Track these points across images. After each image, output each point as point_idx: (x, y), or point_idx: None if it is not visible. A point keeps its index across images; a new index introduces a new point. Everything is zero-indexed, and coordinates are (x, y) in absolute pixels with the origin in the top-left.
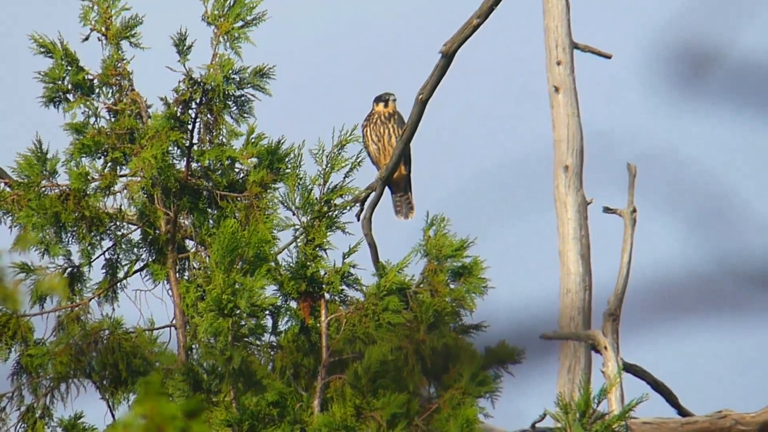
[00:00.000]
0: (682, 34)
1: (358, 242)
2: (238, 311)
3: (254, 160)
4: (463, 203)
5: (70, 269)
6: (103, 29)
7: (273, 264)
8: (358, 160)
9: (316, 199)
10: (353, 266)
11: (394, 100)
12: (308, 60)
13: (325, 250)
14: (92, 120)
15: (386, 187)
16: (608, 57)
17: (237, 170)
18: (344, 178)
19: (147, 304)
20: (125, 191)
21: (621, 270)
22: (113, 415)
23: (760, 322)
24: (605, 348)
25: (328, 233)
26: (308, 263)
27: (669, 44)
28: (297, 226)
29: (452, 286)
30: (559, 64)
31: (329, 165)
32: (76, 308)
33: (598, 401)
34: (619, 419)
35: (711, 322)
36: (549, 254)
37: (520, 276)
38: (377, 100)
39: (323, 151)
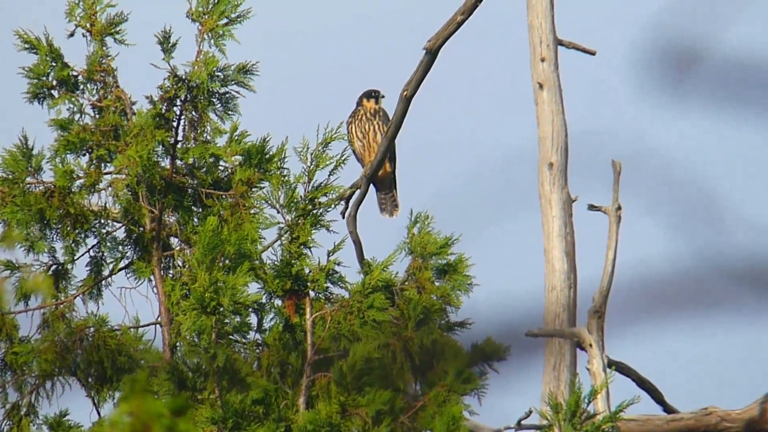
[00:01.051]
0: (666, 31)
1: (343, 240)
2: (221, 309)
3: (238, 157)
4: (448, 200)
5: (54, 266)
6: (88, 25)
7: (258, 262)
8: (342, 158)
9: (301, 197)
10: (338, 264)
11: (383, 97)
12: (292, 57)
13: (309, 248)
14: (77, 116)
15: (371, 185)
16: (592, 53)
17: (222, 168)
18: (329, 175)
19: (132, 302)
20: (110, 189)
21: (606, 267)
22: (99, 413)
23: (744, 319)
24: (590, 345)
25: (313, 231)
26: (293, 261)
27: (653, 41)
28: (281, 224)
29: (437, 284)
30: (543, 60)
31: (314, 163)
32: (61, 306)
33: (588, 401)
34: (609, 420)
35: (696, 319)
36: (534, 251)
37: (505, 273)
38: (366, 96)
39: (308, 148)
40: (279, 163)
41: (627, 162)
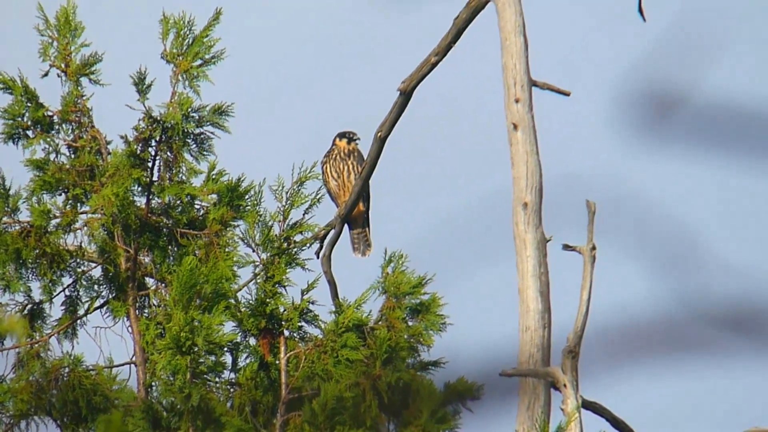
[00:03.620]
0: (644, 75)
1: (316, 278)
2: (196, 348)
3: (214, 196)
4: (422, 240)
5: (30, 306)
6: (63, 66)
7: (233, 301)
8: (317, 197)
9: (276, 235)
10: (312, 302)
11: (358, 139)
12: (268, 97)
13: (284, 286)
14: (53, 156)
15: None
16: (567, 94)
17: (197, 207)
18: (304, 214)
19: (107, 342)
20: (86, 228)
21: (580, 307)
22: None
23: (720, 362)
24: (564, 385)
25: (288, 270)
26: (267, 300)
27: (631, 84)
28: (257, 263)
29: (410, 323)
30: (517, 101)
31: (289, 202)
32: (36, 345)
33: None
34: None
35: (671, 360)
36: (508, 291)
37: (479, 313)
38: (340, 136)
39: (283, 187)
40: (254, 201)
41: (601, 202)
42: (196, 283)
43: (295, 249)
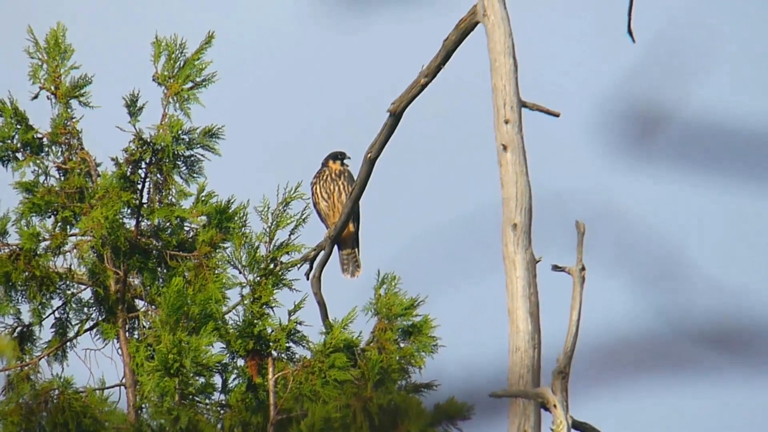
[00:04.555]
0: (630, 94)
1: (303, 299)
2: (184, 370)
3: (203, 218)
4: (412, 261)
5: (20, 328)
6: (53, 88)
7: (221, 322)
8: (303, 217)
9: (263, 256)
10: (299, 323)
11: (348, 158)
12: (258, 119)
13: (272, 307)
14: (42, 179)
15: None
16: (556, 115)
17: (187, 229)
18: (290, 235)
19: (97, 364)
20: (75, 251)
21: (570, 328)
22: None
23: (709, 380)
24: (555, 406)
25: (275, 291)
26: (255, 321)
27: (617, 102)
28: (244, 284)
29: (402, 345)
30: (507, 122)
31: (275, 222)
32: (26, 367)
33: None
34: None
35: (660, 380)
36: (498, 312)
37: (469, 334)
38: (332, 157)
39: (268, 208)
40: (240, 222)
41: (591, 223)
42: (184, 304)
43: (282, 270)
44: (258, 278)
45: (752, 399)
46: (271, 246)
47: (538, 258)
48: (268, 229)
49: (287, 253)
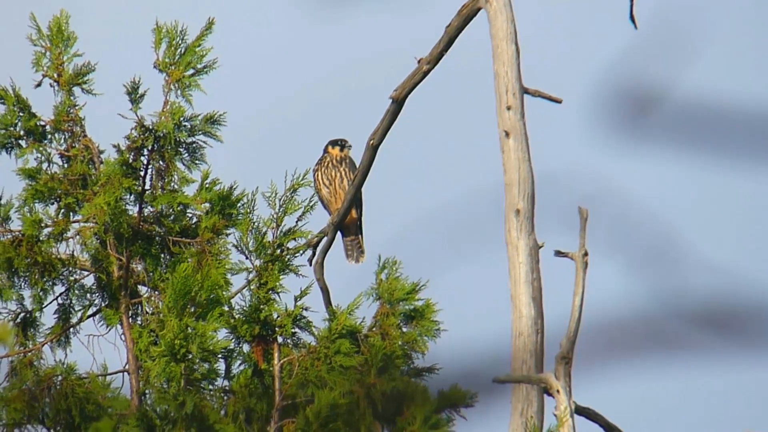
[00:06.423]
0: (625, 75)
1: (309, 285)
2: (190, 356)
3: (207, 205)
4: (415, 246)
5: (22, 314)
6: (56, 75)
7: (226, 308)
8: (310, 204)
9: (270, 242)
10: (305, 309)
11: (350, 147)
12: (260, 105)
13: (278, 293)
14: (45, 166)
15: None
16: (558, 101)
17: (190, 216)
18: (297, 221)
19: (100, 350)
20: (78, 237)
21: (573, 313)
22: None
23: (710, 362)
24: (558, 391)
25: (281, 276)
26: (261, 306)
27: (613, 85)
28: (250, 270)
29: (404, 329)
30: (509, 109)
31: (282, 209)
32: (29, 354)
33: None
34: None
35: (663, 363)
36: (501, 297)
37: (472, 319)
38: (332, 143)
39: (276, 194)
40: (247, 209)
41: (593, 208)
42: (191, 290)
43: (288, 255)
44: (265, 264)
45: (752, 380)
46: (278, 232)
47: (541, 243)
48: (275, 215)
49: (294, 239)
